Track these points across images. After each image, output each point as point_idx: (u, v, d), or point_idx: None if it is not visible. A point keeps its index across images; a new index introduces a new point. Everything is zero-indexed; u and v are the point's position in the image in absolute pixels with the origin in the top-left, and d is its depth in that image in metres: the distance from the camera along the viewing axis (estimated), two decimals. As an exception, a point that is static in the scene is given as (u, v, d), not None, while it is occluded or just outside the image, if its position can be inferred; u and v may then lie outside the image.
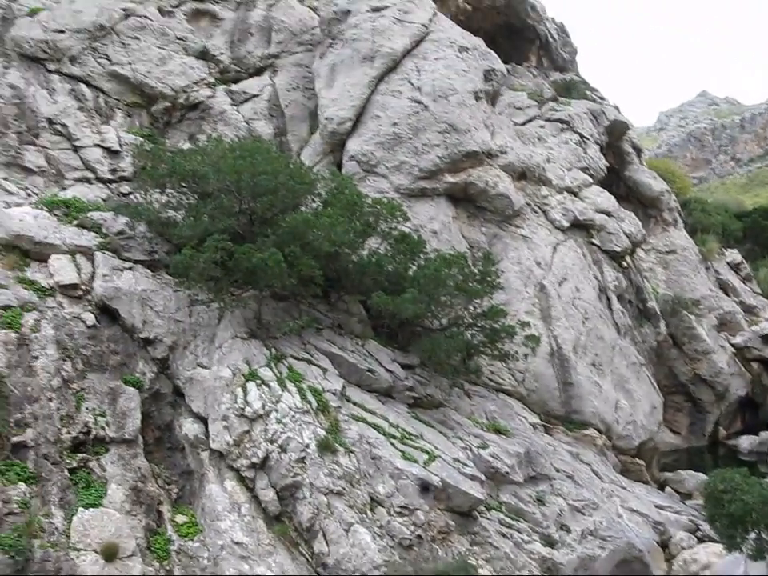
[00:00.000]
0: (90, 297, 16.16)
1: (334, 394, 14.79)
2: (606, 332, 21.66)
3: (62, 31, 22.90)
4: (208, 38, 24.73)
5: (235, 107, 23.41)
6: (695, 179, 73.60)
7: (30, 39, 22.59)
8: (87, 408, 14.29)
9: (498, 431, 16.91)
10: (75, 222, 17.61)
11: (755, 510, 13.19)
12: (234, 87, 23.98)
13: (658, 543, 16.56)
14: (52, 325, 15.08)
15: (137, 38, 23.45)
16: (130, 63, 22.98)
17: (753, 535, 13.24)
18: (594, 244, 23.76)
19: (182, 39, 24.18)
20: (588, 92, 31.85)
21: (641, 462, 20.82)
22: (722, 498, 14.46)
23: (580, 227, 23.51)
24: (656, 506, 18.09)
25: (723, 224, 35.34)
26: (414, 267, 17.06)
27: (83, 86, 22.56)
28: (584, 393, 19.62)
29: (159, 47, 23.62)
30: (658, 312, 25.26)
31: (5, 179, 18.52)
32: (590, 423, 19.54)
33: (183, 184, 17.24)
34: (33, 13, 23.47)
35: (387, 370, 16.46)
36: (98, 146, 21.29)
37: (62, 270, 16.33)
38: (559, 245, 22.31)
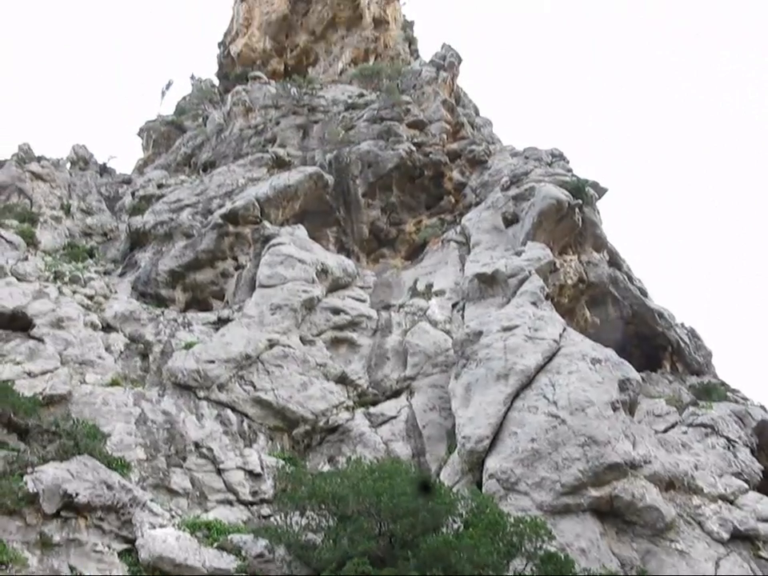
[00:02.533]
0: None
1: None
2: None
3: (212, 362, 24.71)
4: (347, 364, 26.07)
5: (373, 429, 23.94)
6: None
7: (183, 369, 24.45)
8: None
9: None
10: (216, 544, 17.68)
11: None
12: (372, 410, 24.74)
13: None
14: None
15: (280, 366, 24.96)
16: (273, 389, 24.26)
17: None
18: (762, 557, 21.72)
19: (321, 365, 25.58)
20: (729, 393, 31.01)
21: None
22: None
23: (743, 539, 21.57)
24: None
25: None
26: (564, 590, 16.00)
27: (229, 411, 23.83)
28: None
29: (301, 374, 24.98)
30: None
31: (152, 500, 19.02)
32: None
33: (323, 506, 17.26)
34: (188, 346, 25.64)
35: None
36: (241, 468, 21.94)
37: (199, 595, 16.24)
38: (721, 559, 20.40)
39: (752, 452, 25.87)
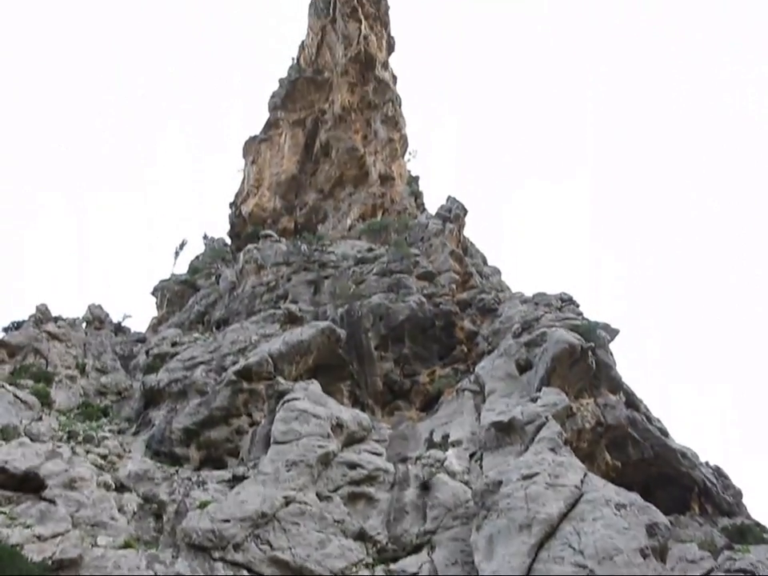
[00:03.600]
0: None
1: None
2: None
3: (227, 521, 24.08)
4: (365, 519, 25.36)
5: (396, 588, 23.10)
6: None
7: (198, 529, 23.81)
8: None
9: None
10: None
11: None
12: (392, 566, 23.74)
13: None
14: None
15: (297, 524, 24.30)
16: (290, 548, 23.53)
17: None
18: None
19: (339, 522, 24.90)
20: (765, 535, 29.83)
21: None
22: None
23: None
24: None
25: None
26: None
27: (245, 572, 23.09)
28: None
29: (318, 531, 24.29)
30: None
31: None
32: None
33: None
34: (203, 505, 25.15)
35: None
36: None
37: None
38: None
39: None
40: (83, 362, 39.19)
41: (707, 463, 34.89)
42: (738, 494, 34.76)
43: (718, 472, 35.04)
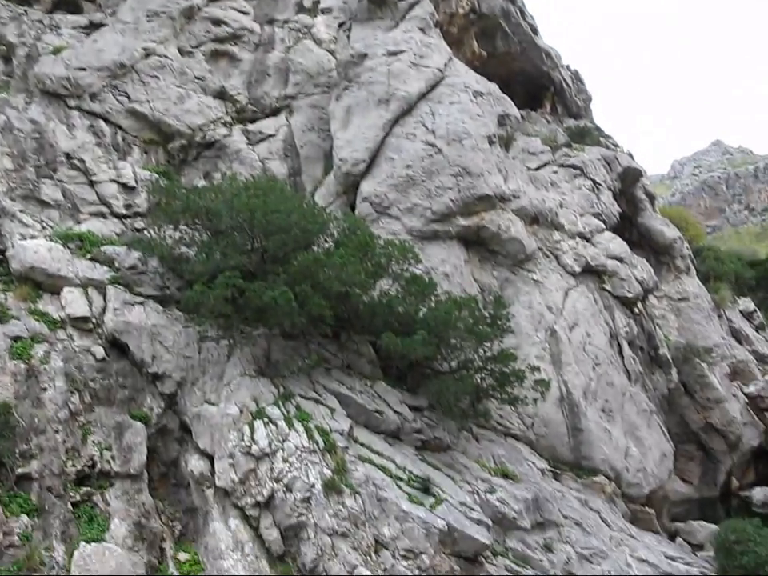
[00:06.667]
0: (100, 330, 16.19)
1: (341, 434, 14.69)
2: (617, 378, 21.46)
3: (83, 69, 23.24)
4: (226, 78, 25.04)
5: (251, 147, 23.65)
6: (709, 228, 73.50)
7: (52, 76, 22.94)
8: (93, 441, 14.29)
9: (506, 476, 16.75)
10: (88, 256, 17.70)
11: (768, 562, 13.02)
12: (250, 127, 24.26)
13: (667, 595, 16.27)
14: (61, 357, 15.13)
15: (156, 77, 23.76)
16: (148, 101, 23.27)
17: (765, 588, 13.01)
18: (605, 290, 23.56)
19: (200, 79, 24.49)
20: (602, 139, 31.94)
21: (650, 510, 20.43)
22: (733, 550, 14.27)
23: (592, 273, 23.35)
24: (666, 557, 17.71)
25: (736, 272, 35.25)
26: (425, 309, 16.96)
27: (102, 123, 22.83)
28: (593, 439, 19.39)
29: (178, 86, 23.92)
30: (670, 359, 24.90)
31: (21, 212, 18.63)
32: (600, 470, 19.28)
33: (196, 221, 17.33)
34: (56, 51, 23.90)
35: (395, 412, 16.35)
36: (114, 181, 21.44)
37: (74, 302, 16.40)
38: (571, 290, 22.19)
39: (614, 195, 27.25)
40: None
41: (568, 66, 35.79)
42: (587, 99, 36.46)
43: (576, 76, 36.21)
